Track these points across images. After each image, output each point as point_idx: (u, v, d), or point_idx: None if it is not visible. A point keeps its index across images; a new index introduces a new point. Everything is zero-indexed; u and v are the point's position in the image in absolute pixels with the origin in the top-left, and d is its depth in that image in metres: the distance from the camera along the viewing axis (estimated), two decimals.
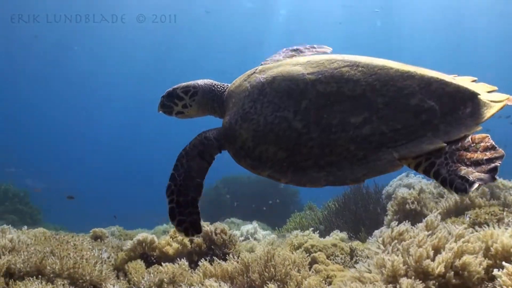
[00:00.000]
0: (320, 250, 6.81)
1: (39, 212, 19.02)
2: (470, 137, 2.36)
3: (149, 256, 6.36)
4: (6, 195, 19.30)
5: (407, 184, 10.47)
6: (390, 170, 2.40)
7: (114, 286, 5.07)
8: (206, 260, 5.50)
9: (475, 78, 2.72)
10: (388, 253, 4.05)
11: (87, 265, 5.12)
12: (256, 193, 20.16)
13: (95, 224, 9.21)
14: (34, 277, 4.76)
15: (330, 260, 6.56)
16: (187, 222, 2.67)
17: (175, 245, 6.44)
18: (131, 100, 55.08)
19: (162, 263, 5.71)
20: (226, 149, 2.84)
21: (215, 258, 5.84)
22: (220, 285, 4.60)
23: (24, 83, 54.31)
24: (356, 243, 7.58)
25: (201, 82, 3.20)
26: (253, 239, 10.15)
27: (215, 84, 3.18)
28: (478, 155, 2.26)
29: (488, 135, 2.33)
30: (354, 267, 4.58)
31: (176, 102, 3.18)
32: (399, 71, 2.55)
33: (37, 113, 56.61)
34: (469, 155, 2.28)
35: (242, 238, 10.19)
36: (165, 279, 5.30)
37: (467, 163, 2.25)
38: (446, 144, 2.36)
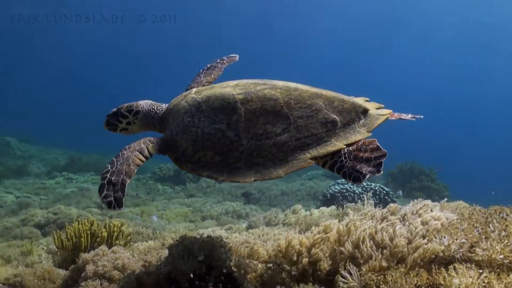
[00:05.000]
0: None
1: (446, 189, 18.74)
2: (362, 141, 3.23)
3: None
4: (412, 172, 19.58)
5: None
6: (304, 167, 3.21)
7: None
8: None
9: (368, 98, 3.72)
10: None
11: None
12: None
13: None
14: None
15: None
16: (112, 197, 3.08)
17: None
18: None
19: None
20: (167, 154, 3.44)
21: None
22: None
23: None
24: None
25: (142, 102, 3.78)
26: None
27: (154, 104, 3.79)
28: (368, 154, 3.10)
29: (375, 139, 3.20)
30: None
31: (120, 120, 3.76)
32: (309, 92, 3.38)
33: None
34: (361, 154, 3.12)
35: None
36: None
37: (361, 160, 3.08)
38: (345, 147, 3.21)
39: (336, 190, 12.91)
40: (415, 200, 4.43)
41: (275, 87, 3.37)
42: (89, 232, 5.57)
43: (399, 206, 4.51)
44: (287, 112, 3.26)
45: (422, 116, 3.69)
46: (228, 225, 9.98)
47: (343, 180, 11.77)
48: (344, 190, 12.84)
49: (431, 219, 3.68)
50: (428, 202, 4.27)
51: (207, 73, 4.30)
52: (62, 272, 5.09)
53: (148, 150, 3.37)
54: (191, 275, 3.71)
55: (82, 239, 5.53)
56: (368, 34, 66.62)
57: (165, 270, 3.85)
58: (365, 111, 3.43)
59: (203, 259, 3.77)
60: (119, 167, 3.22)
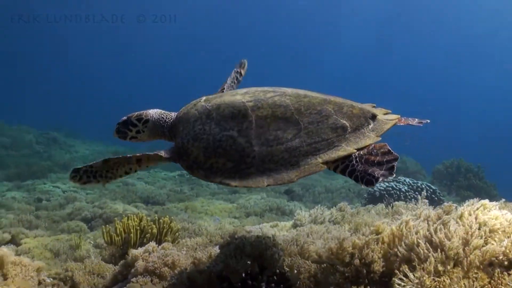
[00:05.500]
0: None
1: (495, 188, 18.23)
2: (373, 145, 3.26)
3: None
4: (459, 170, 19.03)
5: None
6: (316, 171, 3.20)
7: None
8: None
9: (374, 104, 3.77)
10: None
11: None
12: None
13: None
14: None
15: None
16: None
17: None
18: None
19: None
20: (179, 163, 3.47)
21: None
22: None
23: None
24: None
25: (151, 111, 3.83)
26: None
27: (163, 113, 3.83)
28: (379, 158, 3.13)
29: (386, 143, 3.25)
30: None
31: (130, 128, 3.82)
32: (318, 98, 3.44)
33: None
34: (373, 158, 3.15)
35: None
36: None
37: (372, 164, 3.10)
38: (356, 151, 3.23)
39: (381, 188, 12.62)
40: (471, 200, 4.23)
41: (284, 94, 3.44)
42: (138, 228, 5.56)
43: (454, 205, 4.33)
44: (298, 118, 3.31)
45: (428, 121, 3.78)
46: (273, 222, 9.88)
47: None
48: (390, 188, 12.54)
49: (490, 220, 3.49)
50: (486, 201, 4.07)
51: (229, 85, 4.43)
52: (111, 267, 5.08)
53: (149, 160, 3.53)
54: (243, 274, 3.64)
55: (132, 235, 5.54)
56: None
57: (217, 269, 3.78)
58: (373, 116, 3.48)
59: (256, 258, 3.71)
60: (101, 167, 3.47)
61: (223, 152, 3.26)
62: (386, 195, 12.23)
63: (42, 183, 16.03)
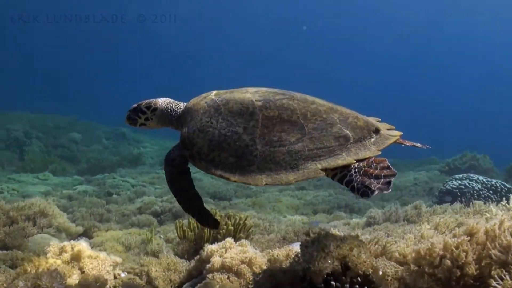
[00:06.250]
0: None
1: None
2: (373, 158, 3.28)
3: None
4: None
5: None
6: (314, 177, 3.24)
7: None
8: None
9: (379, 119, 3.85)
10: None
11: None
12: None
13: None
14: None
15: None
16: (205, 222, 3.60)
17: None
18: None
19: None
20: (181, 152, 3.57)
21: None
22: None
23: None
24: None
25: (161, 100, 3.93)
26: None
27: (172, 102, 3.91)
28: (378, 172, 3.13)
29: (386, 159, 3.25)
30: None
31: (140, 115, 3.94)
32: (325, 106, 3.49)
33: None
34: (371, 171, 3.16)
35: None
36: None
37: (370, 176, 3.12)
38: (355, 162, 3.24)
39: (453, 186, 12.09)
40: None
41: (293, 98, 3.49)
42: None
43: None
44: (303, 123, 3.36)
45: (430, 147, 3.88)
46: (344, 220, 9.65)
47: (461, 175, 11.04)
48: (463, 186, 11.99)
49: None
50: None
51: None
52: (185, 263, 5.00)
53: (182, 168, 3.63)
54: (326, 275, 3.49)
55: (205, 230, 5.47)
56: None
57: (299, 268, 3.62)
58: (377, 130, 3.52)
59: (339, 258, 3.52)
60: (183, 199, 3.60)
61: (227, 146, 3.34)
62: (459, 194, 11.74)
63: (111, 178, 16.40)
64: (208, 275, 4.29)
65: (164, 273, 4.76)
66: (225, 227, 5.57)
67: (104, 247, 7.06)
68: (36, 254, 5.38)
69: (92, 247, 5.54)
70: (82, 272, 4.43)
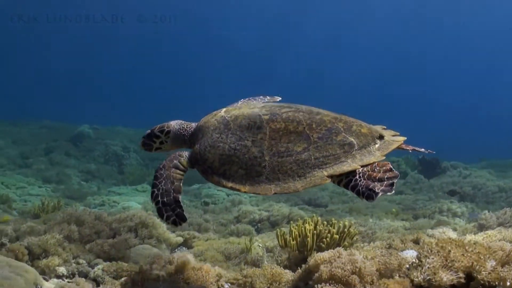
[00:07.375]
0: None
1: None
2: (376, 163, 3.45)
3: None
4: None
5: None
6: (321, 184, 3.43)
7: None
8: None
9: (385, 126, 3.95)
10: None
11: None
12: None
13: None
14: None
15: None
16: (174, 216, 3.60)
17: None
18: None
19: None
20: (195, 168, 3.75)
21: None
22: None
23: None
24: None
25: (173, 122, 4.10)
26: None
27: (184, 123, 4.09)
28: (381, 175, 3.31)
29: (388, 162, 3.42)
30: None
31: (154, 140, 4.10)
32: (330, 116, 3.65)
33: None
34: (375, 174, 3.34)
35: None
36: None
37: (374, 180, 3.30)
38: (360, 167, 3.41)
39: None
40: None
41: (298, 110, 3.67)
42: (314, 232, 5.35)
43: None
44: (309, 133, 3.51)
45: (434, 152, 4.07)
46: (450, 225, 9.15)
47: None
48: None
49: None
50: None
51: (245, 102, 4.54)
52: (289, 273, 4.83)
53: (181, 164, 3.75)
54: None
55: (308, 239, 5.34)
56: None
57: (419, 280, 3.46)
58: (381, 137, 3.68)
59: (463, 269, 3.34)
60: (164, 187, 3.63)
61: (237, 160, 3.52)
62: None
63: (207, 187, 16.56)
64: (315, 286, 4.06)
65: (268, 285, 4.63)
66: (329, 235, 5.45)
67: (204, 257, 7.07)
68: (139, 264, 5.43)
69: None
70: (187, 283, 4.43)
